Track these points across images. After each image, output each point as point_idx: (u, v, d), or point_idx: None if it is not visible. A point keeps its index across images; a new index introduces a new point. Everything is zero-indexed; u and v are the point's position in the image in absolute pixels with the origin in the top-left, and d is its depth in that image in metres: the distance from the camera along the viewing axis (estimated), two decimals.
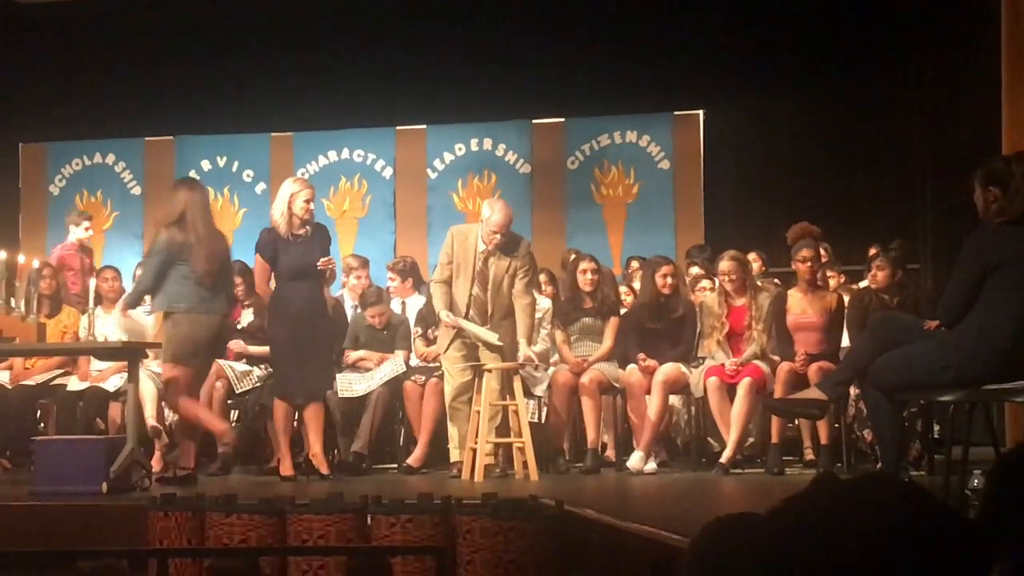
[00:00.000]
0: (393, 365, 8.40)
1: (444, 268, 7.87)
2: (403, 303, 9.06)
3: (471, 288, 7.77)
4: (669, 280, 8.17)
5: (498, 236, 7.73)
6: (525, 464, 7.42)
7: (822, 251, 8.63)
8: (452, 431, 7.85)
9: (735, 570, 1.44)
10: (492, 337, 7.69)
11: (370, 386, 8.30)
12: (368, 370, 8.46)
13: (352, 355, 8.55)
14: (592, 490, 7.13)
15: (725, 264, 8.11)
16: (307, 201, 7.64)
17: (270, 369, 8.34)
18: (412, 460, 8.14)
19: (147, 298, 9.66)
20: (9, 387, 8.60)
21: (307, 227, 7.66)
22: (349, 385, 8.26)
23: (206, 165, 12.21)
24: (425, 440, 8.17)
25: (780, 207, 11.14)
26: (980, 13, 9.14)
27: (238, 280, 8.60)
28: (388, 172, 11.97)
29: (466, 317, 7.75)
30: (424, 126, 11.98)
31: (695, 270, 9.33)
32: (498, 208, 7.87)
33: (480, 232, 7.82)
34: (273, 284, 7.84)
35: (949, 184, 9.99)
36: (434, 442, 8.33)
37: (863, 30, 10.80)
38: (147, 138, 12.36)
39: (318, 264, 7.57)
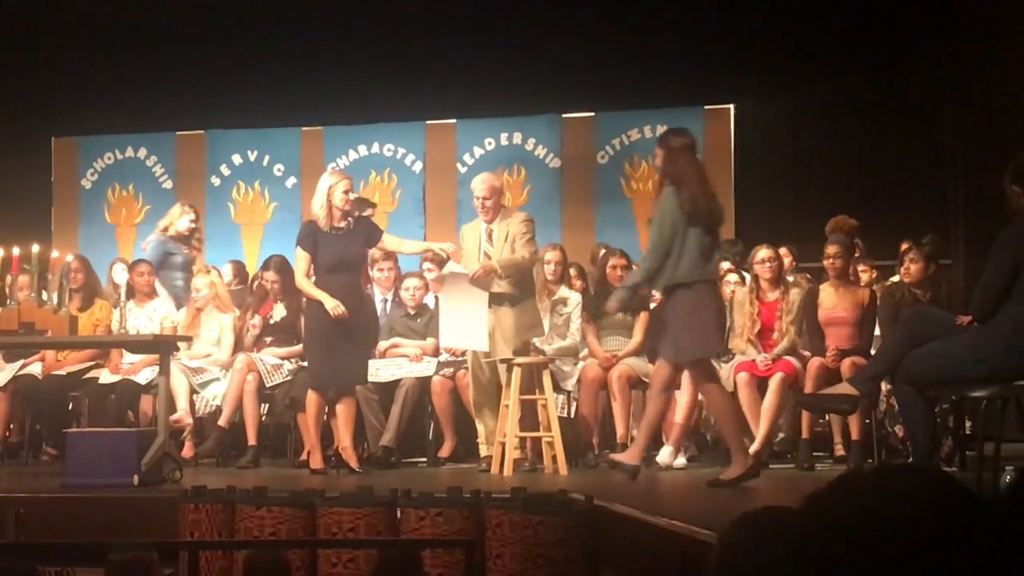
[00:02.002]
0: (426, 366, 8.43)
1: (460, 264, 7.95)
2: (436, 298, 9.07)
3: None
4: None
5: (482, 201, 7.85)
6: (554, 458, 7.42)
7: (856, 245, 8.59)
8: (480, 426, 7.87)
9: (764, 564, 1.43)
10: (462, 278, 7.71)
11: (395, 374, 8.33)
12: (402, 356, 8.52)
13: (383, 344, 8.56)
14: (621, 485, 7.10)
15: (764, 252, 8.09)
16: (345, 192, 7.66)
17: (301, 363, 8.38)
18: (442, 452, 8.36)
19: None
20: (40, 378, 8.67)
21: (348, 220, 7.68)
22: (376, 371, 8.26)
23: (237, 159, 12.25)
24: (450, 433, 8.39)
25: (811, 202, 11.09)
26: (1014, 5, 9.08)
27: (274, 276, 8.64)
28: (418, 166, 11.98)
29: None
30: (454, 120, 11.98)
31: (726, 264, 9.29)
32: (476, 179, 8.08)
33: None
34: (313, 277, 7.83)
35: (981, 179, 9.93)
36: (464, 437, 8.37)
37: (895, 23, 10.73)
38: (178, 132, 12.41)
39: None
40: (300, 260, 7.72)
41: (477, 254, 7.84)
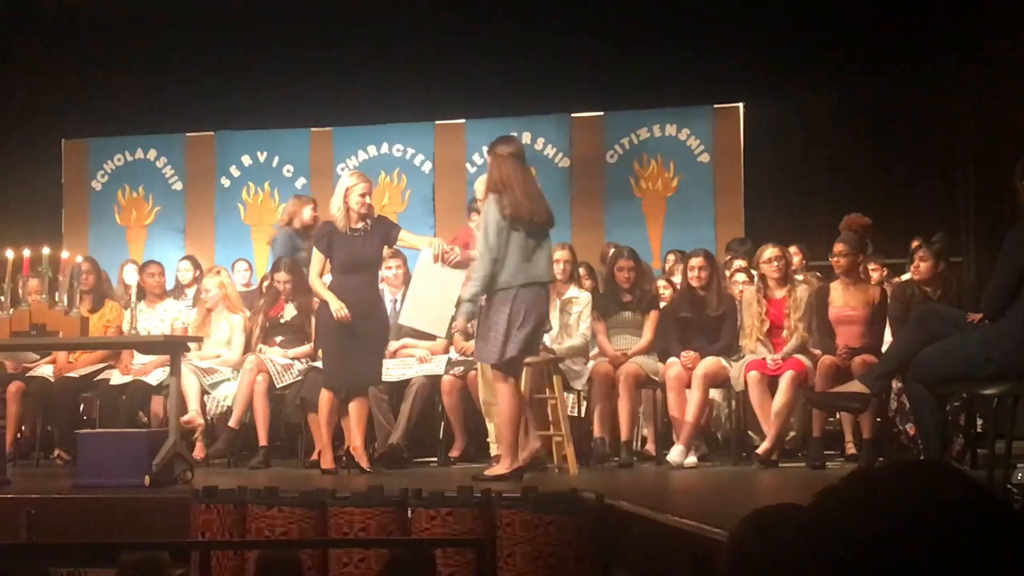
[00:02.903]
0: (436, 365, 8.42)
1: None
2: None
3: None
4: (698, 272, 8.15)
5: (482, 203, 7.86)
6: (565, 457, 7.41)
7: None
8: (490, 426, 7.87)
9: (776, 561, 1.43)
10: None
11: (405, 374, 8.33)
12: (411, 356, 8.52)
13: (393, 344, 8.55)
14: (632, 483, 7.12)
15: (771, 251, 8.08)
16: (363, 195, 7.65)
17: (311, 363, 8.38)
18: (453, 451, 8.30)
19: (188, 292, 9.81)
20: (52, 380, 8.69)
21: (365, 221, 7.67)
22: (386, 371, 8.25)
23: (246, 160, 12.27)
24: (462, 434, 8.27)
25: (820, 200, 11.08)
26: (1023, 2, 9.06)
27: (285, 276, 8.65)
28: (427, 167, 11.99)
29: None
30: (463, 120, 11.99)
31: (738, 262, 9.28)
32: (480, 180, 8.09)
33: None
34: (328, 277, 7.83)
35: (992, 176, 9.91)
36: (474, 436, 8.35)
37: (904, 21, 10.72)
38: (188, 134, 12.44)
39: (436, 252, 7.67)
40: (314, 260, 7.72)
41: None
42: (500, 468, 6.94)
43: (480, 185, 8.01)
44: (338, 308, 7.44)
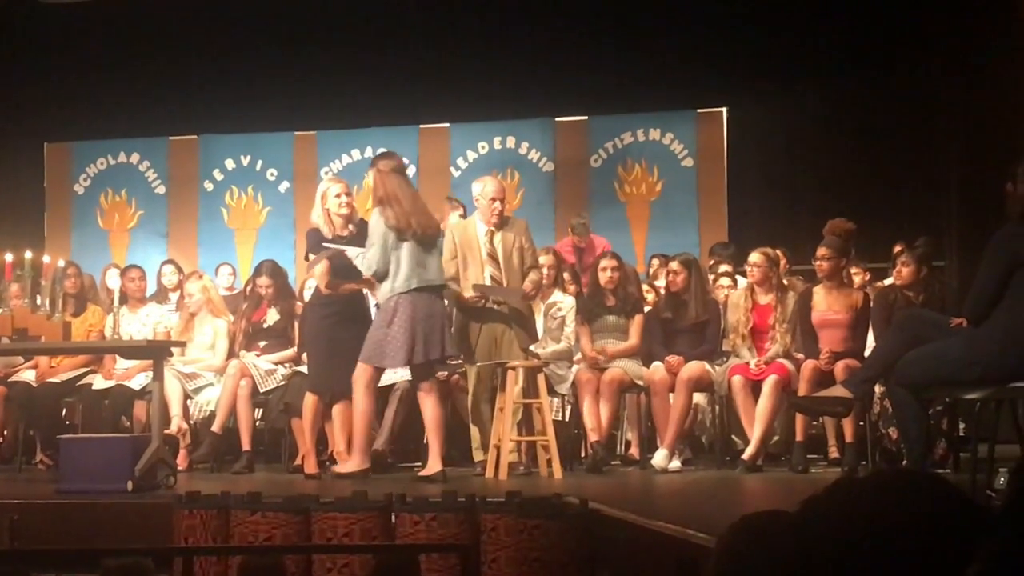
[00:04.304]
0: None
1: (449, 264, 7.70)
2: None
3: (482, 271, 7.73)
4: (672, 277, 8.16)
5: (498, 203, 7.77)
6: (549, 462, 7.41)
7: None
8: (474, 431, 7.84)
9: (763, 567, 1.43)
10: (516, 295, 7.68)
11: (389, 378, 8.30)
12: None
13: None
14: (616, 488, 7.12)
15: (752, 256, 8.10)
16: (338, 196, 7.63)
17: (295, 368, 8.36)
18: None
19: (172, 296, 9.77)
20: (35, 385, 8.65)
21: (351, 226, 7.64)
22: None
23: (230, 164, 12.25)
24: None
25: (804, 204, 11.10)
26: (1008, 7, 9.09)
27: (267, 281, 8.62)
28: (411, 170, 11.94)
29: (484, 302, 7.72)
30: (447, 124, 11.99)
31: (723, 267, 9.30)
32: (488, 180, 8.06)
33: (479, 215, 7.83)
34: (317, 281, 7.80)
35: (975, 181, 9.94)
36: (457, 440, 8.31)
37: (887, 24, 10.75)
38: (171, 137, 12.42)
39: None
40: (316, 265, 7.65)
41: (479, 257, 7.74)
42: (350, 465, 7.25)
43: (494, 184, 7.93)
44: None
